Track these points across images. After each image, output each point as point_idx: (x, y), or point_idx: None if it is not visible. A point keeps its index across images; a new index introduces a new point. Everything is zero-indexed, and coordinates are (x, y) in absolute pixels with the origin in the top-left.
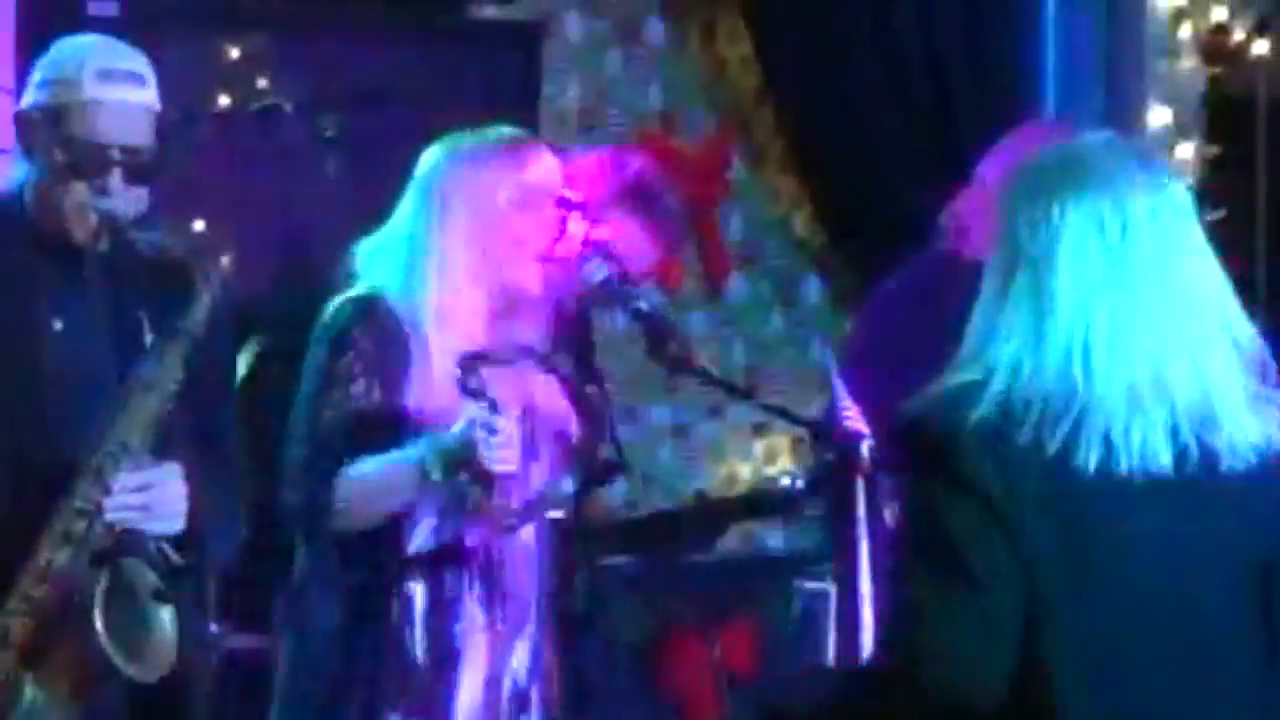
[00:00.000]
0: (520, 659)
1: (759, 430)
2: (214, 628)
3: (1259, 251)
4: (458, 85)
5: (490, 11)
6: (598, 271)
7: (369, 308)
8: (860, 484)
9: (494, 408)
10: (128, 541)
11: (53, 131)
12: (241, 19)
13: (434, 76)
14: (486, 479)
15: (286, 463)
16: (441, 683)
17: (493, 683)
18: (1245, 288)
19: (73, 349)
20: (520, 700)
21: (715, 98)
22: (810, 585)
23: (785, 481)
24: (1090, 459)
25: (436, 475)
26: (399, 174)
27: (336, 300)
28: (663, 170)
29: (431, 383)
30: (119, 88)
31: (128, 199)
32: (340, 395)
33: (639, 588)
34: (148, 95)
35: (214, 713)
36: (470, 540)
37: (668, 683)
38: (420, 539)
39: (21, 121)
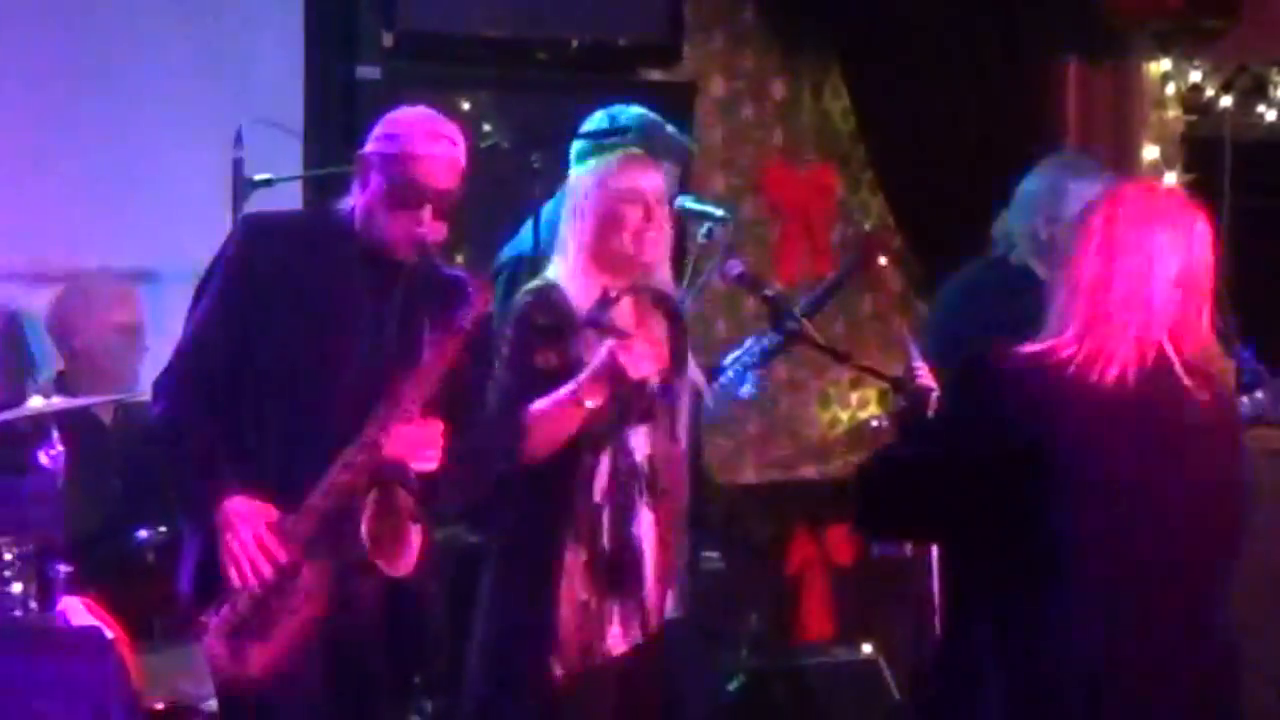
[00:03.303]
0: (674, 541)
1: (854, 384)
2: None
3: (1225, 257)
4: None
5: (656, 74)
6: (735, 267)
7: (541, 294)
8: None
9: (622, 334)
10: (394, 473)
11: (386, 172)
12: (469, 79)
13: None
14: (637, 386)
15: (488, 415)
16: (631, 569)
17: (664, 567)
18: (1213, 283)
19: (369, 330)
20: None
21: (823, 139)
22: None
23: (874, 423)
24: None
25: (590, 400)
26: None
27: (521, 291)
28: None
29: (586, 340)
30: (439, 145)
31: (434, 229)
32: (527, 363)
33: (766, 501)
34: (458, 154)
35: (448, 598)
36: (638, 456)
37: (787, 571)
38: (603, 464)
39: (363, 161)
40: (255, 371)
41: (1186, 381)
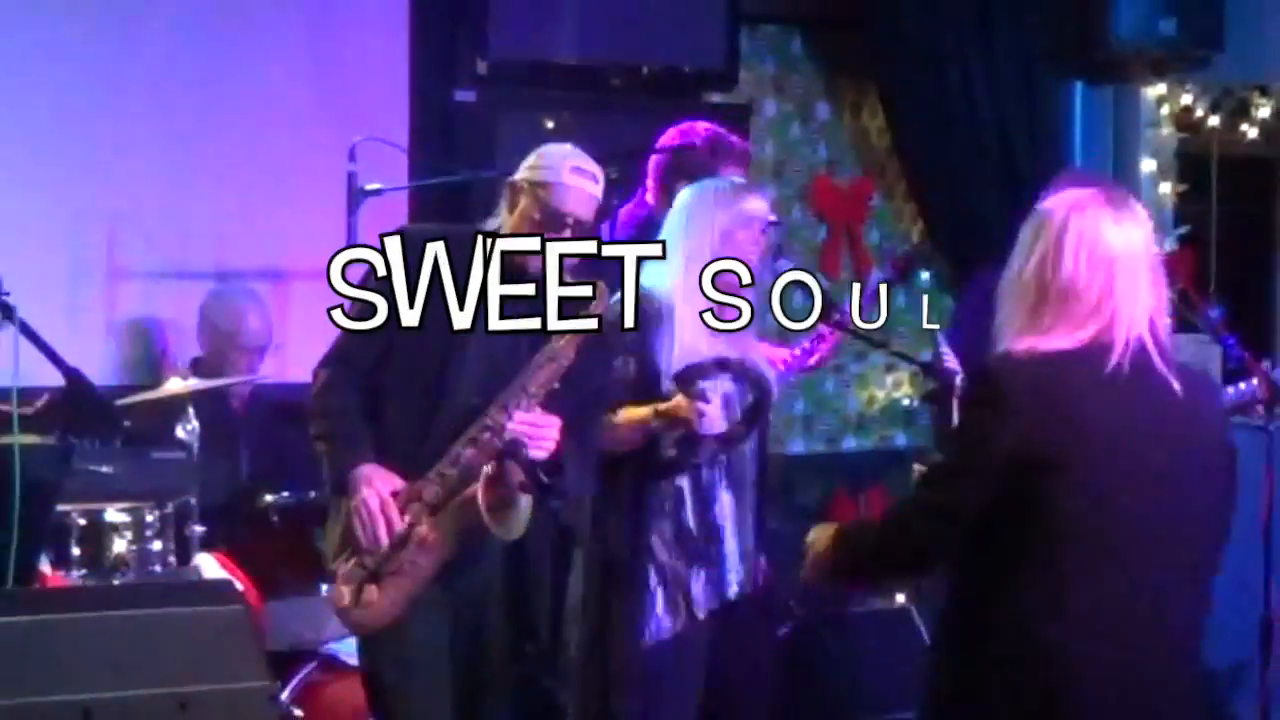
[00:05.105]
0: (747, 523)
1: (889, 368)
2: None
3: (1211, 255)
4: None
5: (715, 97)
6: (784, 265)
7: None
8: (954, 403)
9: (703, 397)
10: (512, 452)
11: (534, 197)
12: (553, 101)
13: None
14: (698, 438)
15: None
16: (713, 544)
17: (741, 539)
18: (1202, 281)
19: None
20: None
21: (861, 153)
22: (922, 468)
23: (905, 401)
24: None
25: (660, 433)
26: None
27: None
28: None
29: (679, 343)
30: (583, 180)
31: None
32: (612, 370)
33: (813, 468)
34: (597, 190)
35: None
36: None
37: None
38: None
39: (512, 188)
40: (396, 359)
41: (1164, 369)
